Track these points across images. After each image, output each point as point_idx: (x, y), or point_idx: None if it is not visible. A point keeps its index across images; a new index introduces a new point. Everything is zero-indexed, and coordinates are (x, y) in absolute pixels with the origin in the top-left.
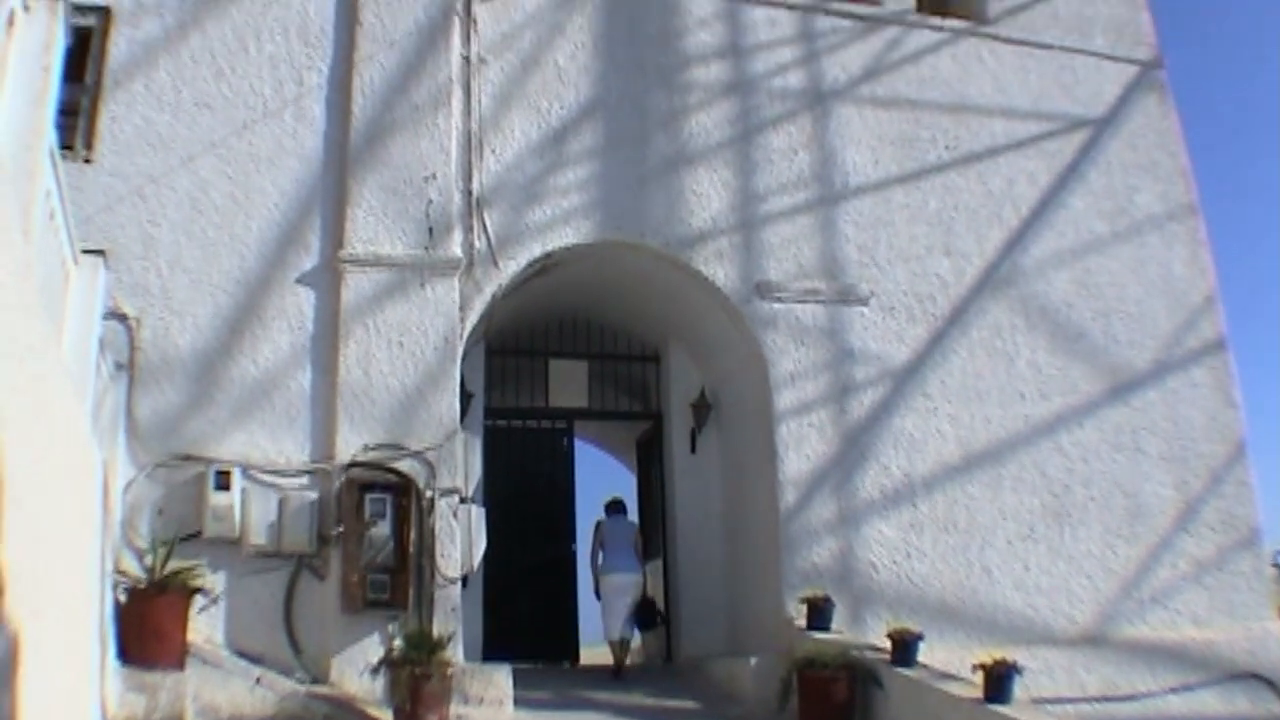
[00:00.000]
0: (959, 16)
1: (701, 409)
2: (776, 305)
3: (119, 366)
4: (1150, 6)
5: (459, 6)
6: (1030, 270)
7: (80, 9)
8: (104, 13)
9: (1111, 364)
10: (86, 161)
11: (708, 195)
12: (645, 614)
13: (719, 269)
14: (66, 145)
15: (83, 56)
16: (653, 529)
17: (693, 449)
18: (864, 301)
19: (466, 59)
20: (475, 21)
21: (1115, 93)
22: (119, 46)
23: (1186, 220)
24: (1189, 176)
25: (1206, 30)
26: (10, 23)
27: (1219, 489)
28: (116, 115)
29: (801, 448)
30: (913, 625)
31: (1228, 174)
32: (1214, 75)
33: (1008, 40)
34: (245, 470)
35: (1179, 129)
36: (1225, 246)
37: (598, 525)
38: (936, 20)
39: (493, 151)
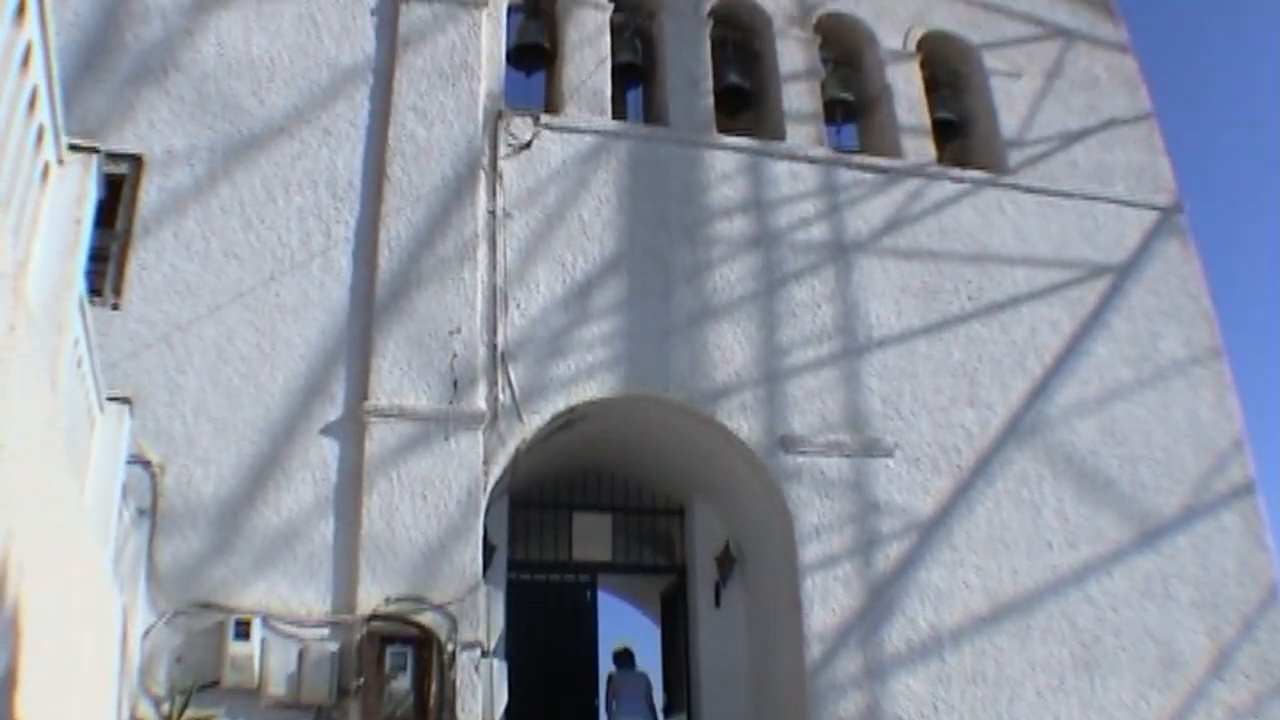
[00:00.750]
0: (979, 167)
1: (726, 562)
2: (801, 458)
3: (141, 512)
4: (1169, 151)
5: (485, 162)
6: (1055, 419)
7: (113, 157)
8: (136, 161)
9: (1139, 511)
10: (114, 308)
11: (731, 349)
12: None
13: (743, 422)
14: (95, 291)
15: (114, 203)
16: (677, 683)
17: (717, 603)
18: (888, 454)
19: (492, 213)
20: (501, 176)
21: (1136, 239)
22: (150, 194)
23: (1211, 364)
24: (1212, 320)
25: (1227, 171)
26: (44, 175)
27: (1252, 635)
28: (145, 262)
29: (827, 601)
30: None
31: (1252, 315)
32: (1235, 216)
33: (1028, 189)
34: (265, 620)
35: (1201, 273)
36: (1252, 389)
37: (610, 678)
38: (957, 171)
39: (517, 305)
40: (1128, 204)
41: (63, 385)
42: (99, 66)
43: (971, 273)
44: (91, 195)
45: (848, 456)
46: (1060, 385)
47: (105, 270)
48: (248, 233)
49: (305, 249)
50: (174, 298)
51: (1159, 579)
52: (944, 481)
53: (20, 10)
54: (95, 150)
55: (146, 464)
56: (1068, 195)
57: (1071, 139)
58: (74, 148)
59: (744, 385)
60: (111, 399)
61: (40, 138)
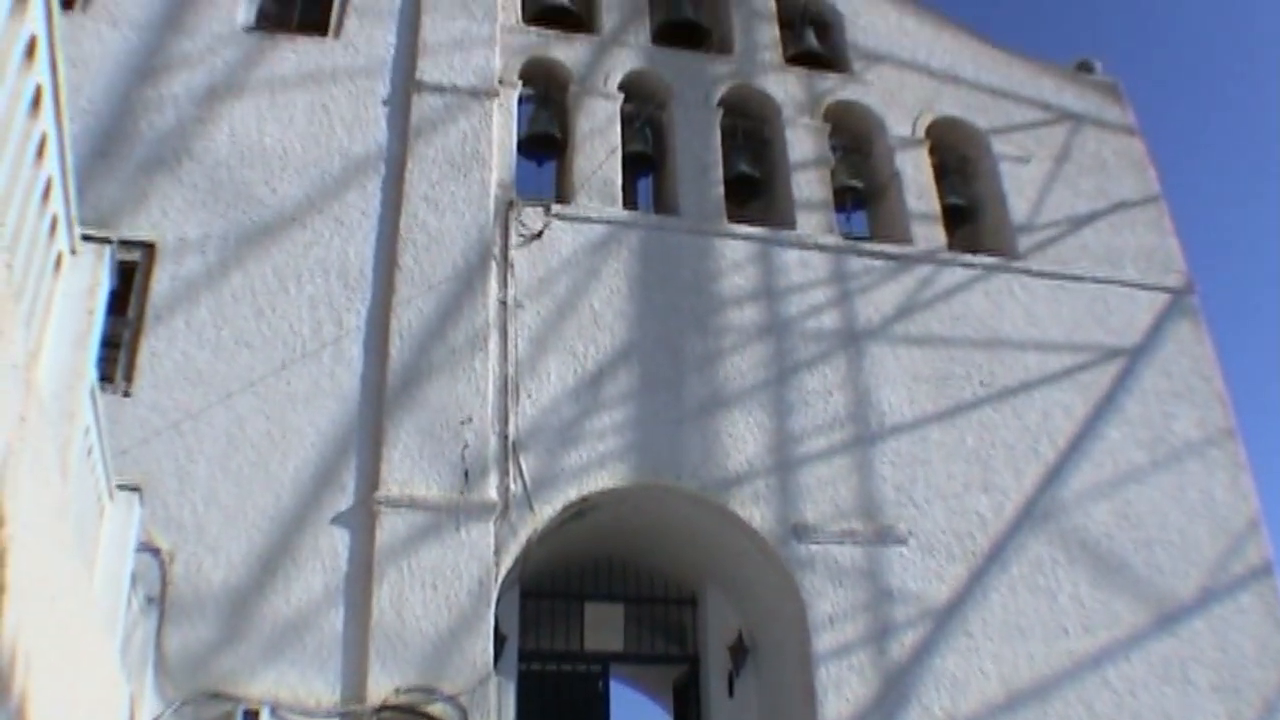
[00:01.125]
0: (990, 252)
1: (739, 652)
2: (814, 547)
3: (150, 600)
4: (1178, 232)
5: (496, 251)
6: (1070, 503)
7: (125, 244)
8: (148, 248)
9: (1156, 594)
10: (125, 394)
11: (743, 437)
12: None
13: (755, 511)
14: (106, 377)
15: (126, 290)
16: None
17: (730, 693)
18: (902, 541)
19: (503, 303)
20: (512, 266)
21: (1148, 321)
22: (162, 282)
23: (1226, 445)
24: (1226, 401)
25: (1237, 250)
26: (57, 265)
27: (1274, 718)
28: (157, 350)
29: (841, 690)
30: None
31: (1266, 395)
32: (1247, 295)
33: (1039, 274)
34: (274, 709)
35: (1213, 354)
36: (1267, 469)
37: None
38: (968, 257)
39: (529, 395)
40: (1138, 286)
41: (73, 474)
42: (113, 153)
43: (983, 358)
44: (104, 285)
45: (861, 544)
46: (1074, 469)
47: (116, 357)
48: (259, 321)
49: (317, 338)
50: (185, 385)
51: (1177, 663)
52: (958, 568)
53: (35, 102)
54: (108, 240)
55: (156, 551)
56: (1078, 279)
57: (1081, 222)
58: (87, 238)
59: (756, 474)
60: (121, 487)
61: (54, 228)
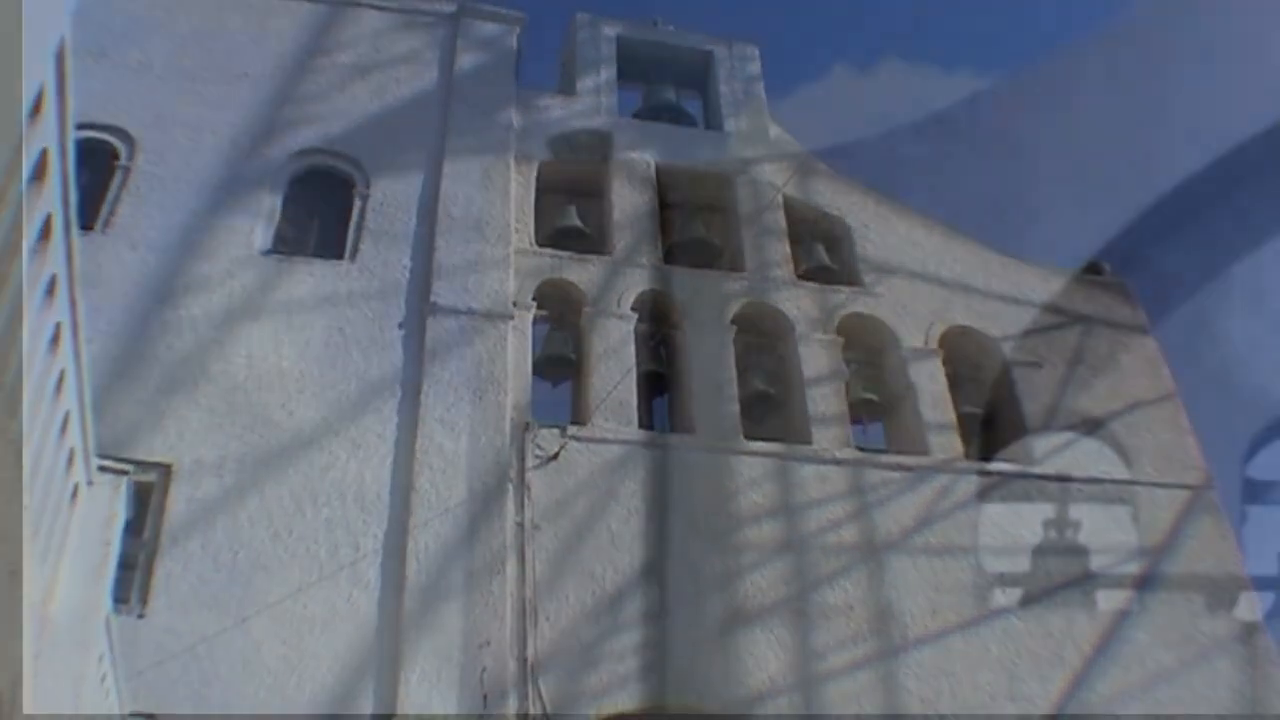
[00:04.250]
0: (1006, 458)
1: None
2: None
3: None
4: (1195, 430)
5: (512, 474)
6: (1099, 708)
7: (142, 465)
8: (165, 470)
9: None
10: (140, 617)
11: (765, 655)
12: None
13: None
14: (121, 599)
15: (142, 511)
16: None
17: None
18: None
19: (521, 525)
20: (529, 488)
21: (1169, 519)
22: (178, 504)
23: (1254, 640)
24: (1252, 594)
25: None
26: (74, 496)
27: None
28: (172, 572)
29: None
30: None
31: None
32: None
33: (1056, 478)
34: None
35: (1237, 548)
36: None
37: None
38: (984, 464)
39: (547, 617)
40: (1157, 485)
41: (86, 704)
42: (131, 375)
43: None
44: (120, 516)
45: None
46: (1101, 674)
47: (132, 578)
48: (275, 544)
49: (333, 561)
50: (200, 608)
51: None
52: None
53: (55, 338)
54: (124, 471)
55: None
56: (1096, 481)
57: (1096, 424)
58: (103, 468)
59: (779, 691)
60: (135, 714)
61: (71, 460)
